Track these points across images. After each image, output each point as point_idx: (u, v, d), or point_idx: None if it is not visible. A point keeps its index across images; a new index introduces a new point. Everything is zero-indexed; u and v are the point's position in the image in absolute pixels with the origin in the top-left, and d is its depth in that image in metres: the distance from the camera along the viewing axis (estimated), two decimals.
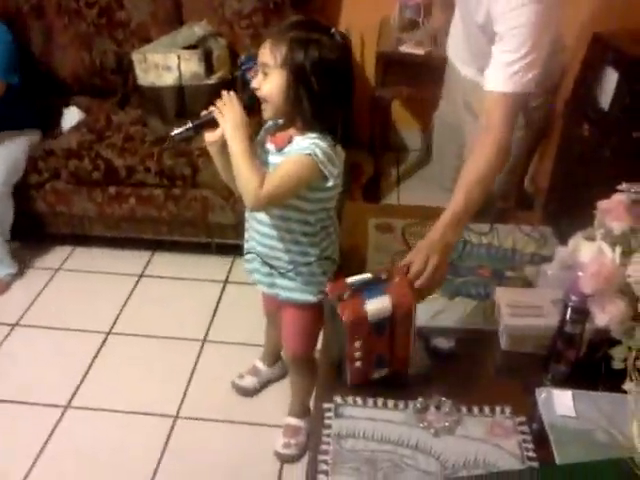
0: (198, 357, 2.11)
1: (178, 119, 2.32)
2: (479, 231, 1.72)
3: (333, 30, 1.27)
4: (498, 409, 1.18)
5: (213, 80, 2.33)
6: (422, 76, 2.67)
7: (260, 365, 1.97)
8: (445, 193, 2.10)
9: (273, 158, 1.37)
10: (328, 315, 1.22)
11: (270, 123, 1.41)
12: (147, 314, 2.29)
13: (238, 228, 2.40)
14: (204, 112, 1.31)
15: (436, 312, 1.43)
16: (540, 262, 1.59)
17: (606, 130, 1.41)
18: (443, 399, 1.19)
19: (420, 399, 1.19)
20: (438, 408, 1.18)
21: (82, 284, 2.43)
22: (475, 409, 1.18)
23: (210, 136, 1.31)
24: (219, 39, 2.45)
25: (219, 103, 1.28)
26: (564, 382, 1.22)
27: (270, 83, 1.27)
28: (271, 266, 1.48)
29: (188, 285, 2.42)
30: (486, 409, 1.18)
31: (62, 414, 1.92)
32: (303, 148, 1.29)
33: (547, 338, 1.27)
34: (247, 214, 1.50)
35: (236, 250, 2.45)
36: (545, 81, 1.65)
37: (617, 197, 1.17)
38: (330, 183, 1.33)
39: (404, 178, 3.18)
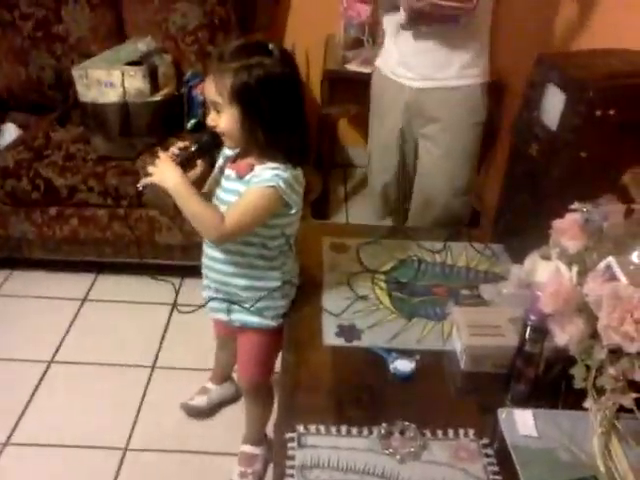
0: (147, 384, 2.02)
1: (122, 137, 2.25)
2: (432, 249, 1.74)
3: (271, 46, 1.26)
4: (462, 432, 1.17)
5: (158, 97, 2.28)
6: (369, 94, 2.69)
7: (209, 385, 1.92)
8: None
9: (233, 185, 1.36)
10: None
11: (229, 151, 1.39)
12: (92, 340, 2.18)
13: (187, 249, 2.35)
14: (141, 182, 1.31)
15: (394, 334, 1.42)
16: (494, 280, 1.62)
17: (554, 150, 1.44)
18: (407, 424, 1.17)
19: (384, 424, 1.17)
20: (402, 433, 1.16)
21: (21, 310, 2.30)
22: (439, 432, 1.17)
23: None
24: (164, 55, 2.39)
25: (151, 169, 1.28)
26: (525, 401, 1.23)
27: (224, 120, 1.27)
28: (226, 293, 1.44)
29: (134, 309, 2.33)
30: (450, 432, 1.17)
31: (0, 452, 1.79)
32: (266, 180, 1.28)
33: (506, 357, 1.28)
34: (204, 241, 1.46)
35: (184, 272, 2.40)
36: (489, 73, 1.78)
37: (572, 217, 1.19)
38: (293, 211, 1.33)
39: (352, 195, 3.19)
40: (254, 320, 1.46)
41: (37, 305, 2.33)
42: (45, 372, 2.06)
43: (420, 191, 1.98)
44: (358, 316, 1.47)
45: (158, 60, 2.33)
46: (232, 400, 1.94)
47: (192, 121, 2.40)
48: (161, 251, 2.36)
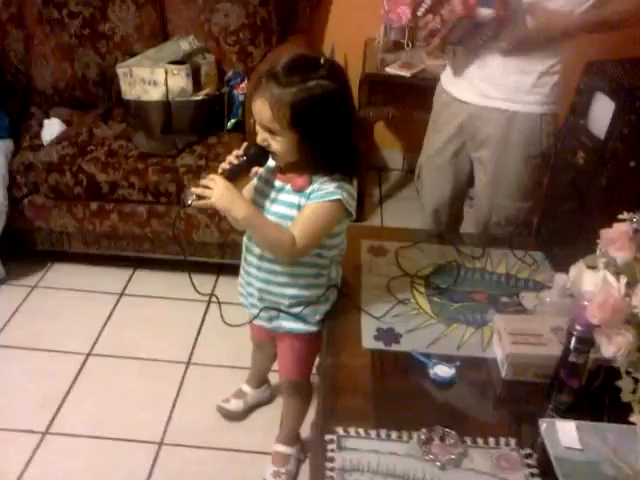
0: (182, 380, 2.05)
1: (164, 135, 2.29)
2: (472, 255, 1.72)
3: (323, 60, 1.24)
4: (503, 441, 1.16)
5: (200, 96, 2.30)
6: (408, 98, 2.69)
7: (246, 388, 1.93)
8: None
9: (291, 197, 1.34)
10: None
11: (272, 161, 1.37)
12: (128, 334, 2.22)
13: (223, 247, 2.38)
14: (191, 198, 1.25)
15: (434, 339, 1.41)
16: (535, 288, 1.60)
17: (602, 159, 1.42)
18: (447, 430, 1.17)
19: (424, 430, 1.16)
20: (443, 439, 1.15)
21: (60, 302, 2.35)
22: (480, 440, 1.16)
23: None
24: (207, 55, 2.42)
25: (200, 190, 1.23)
26: (567, 412, 1.22)
27: (280, 144, 1.26)
28: (270, 302, 1.44)
29: (171, 305, 2.36)
30: (491, 441, 1.16)
31: (40, 441, 1.83)
32: (330, 192, 1.29)
33: (548, 367, 1.26)
34: (245, 248, 1.46)
35: (220, 269, 2.42)
36: (557, 103, 1.66)
37: (620, 227, 1.17)
38: (352, 218, 1.35)
39: (387, 197, 3.18)
40: (299, 327, 1.46)
41: (76, 298, 2.37)
42: (83, 364, 2.10)
43: (474, 217, 1.91)
44: (397, 320, 1.46)
45: (201, 59, 2.36)
46: (267, 402, 1.95)
47: (232, 120, 2.42)
48: (198, 248, 2.39)
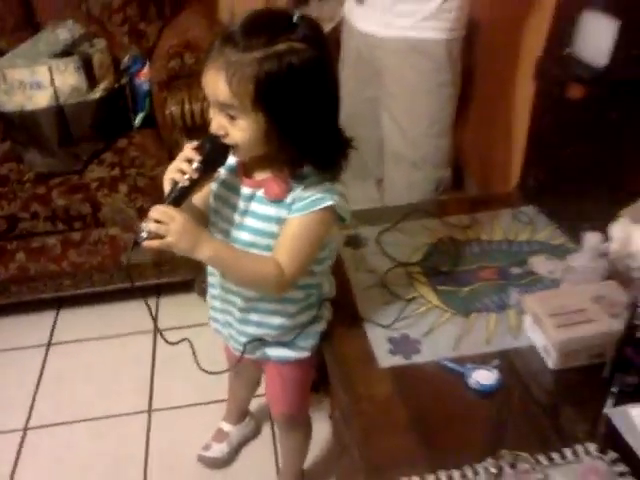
0: (148, 434, 1.72)
1: (62, 148, 1.89)
2: (460, 224, 1.51)
3: (296, 18, 0.92)
4: (581, 449, 0.96)
5: (99, 93, 1.91)
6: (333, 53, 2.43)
7: (226, 426, 1.63)
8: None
9: (264, 208, 1.03)
10: None
11: (234, 161, 1.05)
12: (69, 392, 1.84)
13: (159, 265, 2.03)
14: (141, 236, 0.92)
15: (457, 338, 1.19)
16: (540, 250, 1.41)
17: (610, 89, 1.22)
18: (517, 453, 0.94)
19: (489, 460, 0.94)
20: (514, 466, 0.93)
21: None
22: (555, 456, 0.95)
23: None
24: (95, 40, 2.00)
25: (154, 227, 0.91)
26: (634, 394, 1.03)
27: (242, 130, 0.94)
28: (250, 335, 1.17)
29: (110, 344, 2.00)
30: (568, 453, 0.95)
31: None
32: (319, 199, 0.99)
33: (603, 346, 1.07)
34: (213, 279, 1.17)
35: (159, 290, 2.09)
36: (462, 28, 1.58)
37: None
38: (347, 222, 1.06)
39: None
40: (288, 355, 1.18)
41: None
42: (21, 443, 1.71)
43: (385, 159, 1.76)
44: (408, 323, 1.22)
45: (89, 48, 1.95)
46: (254, 437, 1.67)
47: (140, 115, 2.06)
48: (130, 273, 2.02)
